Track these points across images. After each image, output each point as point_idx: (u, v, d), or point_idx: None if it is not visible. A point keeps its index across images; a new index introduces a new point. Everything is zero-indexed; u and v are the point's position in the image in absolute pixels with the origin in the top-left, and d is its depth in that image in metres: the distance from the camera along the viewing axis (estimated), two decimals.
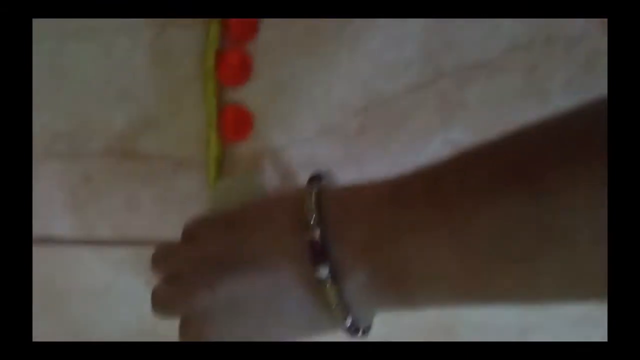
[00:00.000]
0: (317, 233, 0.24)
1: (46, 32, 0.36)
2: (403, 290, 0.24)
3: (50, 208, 0.39)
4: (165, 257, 0.31)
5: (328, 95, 0.36)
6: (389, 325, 0.44)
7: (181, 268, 0.30)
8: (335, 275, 0.24)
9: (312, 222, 0.24)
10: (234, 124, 0.37)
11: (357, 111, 0.37)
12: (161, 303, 0.30)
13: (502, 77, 0.36)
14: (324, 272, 0.24)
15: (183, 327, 0.29)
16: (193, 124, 0.37)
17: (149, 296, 0.39)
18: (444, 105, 0.36)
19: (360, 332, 0.26)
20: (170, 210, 0.39)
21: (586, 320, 0.45)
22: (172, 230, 0.36)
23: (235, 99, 0.37)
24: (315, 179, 0.28)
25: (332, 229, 0.24)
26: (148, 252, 0.36)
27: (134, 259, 0.41)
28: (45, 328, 0.44)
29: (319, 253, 0.24)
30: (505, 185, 0.19)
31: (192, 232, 0.31)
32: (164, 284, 0.31)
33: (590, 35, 0.36)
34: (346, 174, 0.36)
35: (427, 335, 0.46)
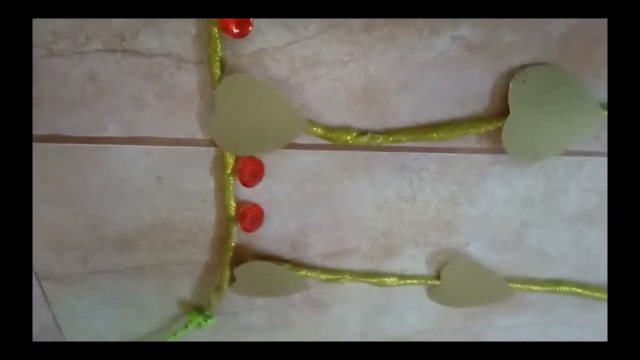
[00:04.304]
0: None
1: None
2: None
3: (58, 106, 0.40)
4: None
5: None
6: None
7: None
8: None
9: None
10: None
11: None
12: None
13: None
14: None
15: None
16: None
17: (160, 191, 0.43)
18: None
19: None
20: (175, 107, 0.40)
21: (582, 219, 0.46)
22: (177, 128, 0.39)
23: None
24: None
25: None
26: (157, 149, 0.39)
27: (145, 155, 0.42)
28: (67, 219, 0.47)
29: None
30: None
31: None
32: None
33: None
34: (351, 72, 0.38)
35: (427, 229, 0.47)
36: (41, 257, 0.50)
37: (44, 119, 0.41)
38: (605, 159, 0.42)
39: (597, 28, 0.36)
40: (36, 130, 0.41)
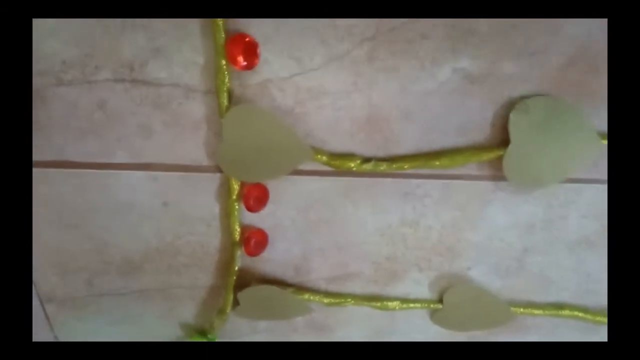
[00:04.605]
0: None
1: None
2: None
3: (66, 134, 0.41)
4: None
5: (335, 23, 0.36)
6: None
7: None
8: None
9: None
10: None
11: (365, 38, 0.36)
12: None
13: None
14: None
15: None
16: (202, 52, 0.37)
17: (166, 216, 0.44)
18: (453, 32, 0.36)
19: None
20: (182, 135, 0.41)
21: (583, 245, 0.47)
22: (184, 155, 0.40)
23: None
24: None
25: None
26: (164, 175, 0.41)
27: (151, 181, 0.43)
28: (73, 243, 0.48)
29: None
30: None
31: None
32: None
33: None
34: (355, 101, 0.38)
35: (430, 254, 0.48)
36: (46, 280, 0.51)
37: (53, 145, 0.41)
38: (603, 186, 0.43)
39: (595, 58, 0.37)
40: (45, 156, 0.42)
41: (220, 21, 0.34)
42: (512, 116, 0.38)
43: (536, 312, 0.50)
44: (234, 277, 0.47)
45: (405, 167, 0.41)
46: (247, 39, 0.34)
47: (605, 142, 0.39)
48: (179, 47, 0.36)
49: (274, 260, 0.48)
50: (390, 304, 0.50)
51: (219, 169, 0.42)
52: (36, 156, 0.42)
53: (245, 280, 0.49)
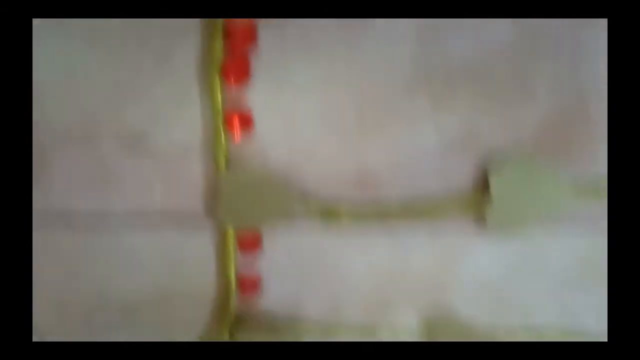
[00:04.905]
0: None
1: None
2: None
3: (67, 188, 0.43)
4: None
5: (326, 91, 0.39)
6: None
7: None
8: None
9: None
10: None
11: (352, 102, 0.39)
12: None
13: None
14: None
15: None
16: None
17: (164, 263, 0.47)
18: (434, 93, 0.39)
19: None
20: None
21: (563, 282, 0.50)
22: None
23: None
24: None
25: None
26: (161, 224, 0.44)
27: (149, 231, 0.45)
28: (72, 291, 0.49)
29: None
30: None
31: None
32: None
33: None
34: (344, 159, 0.41)
35: (418, 291, 0.50)
36: (43, 321, 0.52)
37: (54, 199, 0.43)
38: (579, 232, 0.46)
39: (569, 118, 0.40)
40: (46, 207, 0.44)
41: (218, 92, 0.36)
42: (490, 178, 0.41)
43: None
44: (230, 319, 0.49)
45: (393, 214, 0.44)
46: (243, 114, 0.37)
47: (579, 198, 0.42)
48: (181, 115, 0.38)
49: (268, 300, 0.50)
50: (381, 336, 0.52)
51: (215, 217, 0.44)
52: (37, 206, 0.44)
53: (241, 320, 0.51)
